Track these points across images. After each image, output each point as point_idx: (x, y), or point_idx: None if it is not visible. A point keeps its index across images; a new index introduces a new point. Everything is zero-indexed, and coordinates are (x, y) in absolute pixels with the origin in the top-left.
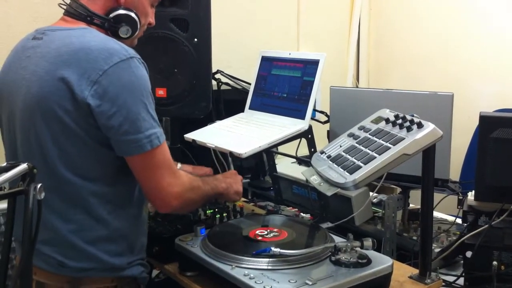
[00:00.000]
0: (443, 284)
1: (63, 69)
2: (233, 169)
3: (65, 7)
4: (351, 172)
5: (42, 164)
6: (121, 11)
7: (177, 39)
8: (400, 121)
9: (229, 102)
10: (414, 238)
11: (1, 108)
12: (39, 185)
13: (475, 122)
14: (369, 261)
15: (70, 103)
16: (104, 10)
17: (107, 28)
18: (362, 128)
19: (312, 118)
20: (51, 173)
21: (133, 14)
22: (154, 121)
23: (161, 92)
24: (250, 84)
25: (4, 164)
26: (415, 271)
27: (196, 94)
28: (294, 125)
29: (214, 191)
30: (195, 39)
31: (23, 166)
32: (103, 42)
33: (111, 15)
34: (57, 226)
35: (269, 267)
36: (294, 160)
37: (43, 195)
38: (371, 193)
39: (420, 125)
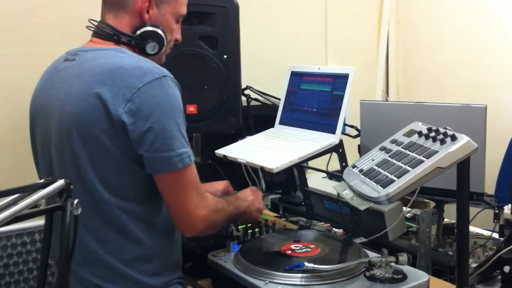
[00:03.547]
0: None
1: (97, 88)
2: (264, 184)
3: (92, 28)
4: (384, 186)
5: (78, 183)
6: (148, 28)
7: (206, 56)
8: (433, 134)
9: (259, 118)
10: (450, 253)
11: (34, 129)
12: (75, 201)
13: (509, 134)
14: (404, 277)
15: (106, 122)
16: (130, 28)
17: (134, 45)
18: (394, 141)
19: (342, 132)
20: (87, 192)
21: (159, 31)
22: (185, 141)
23: (191, 108)
24: (279, 99)
25: (42, 180)
26: (452, 287)
27: (226, 110)
28: (325, 140)
29: (237, 211)
30: (224, 56)
31: (60, 182)
32: (136, 61)
33: (137, 32)
34: (93, 246)
35: (303, 283)
36: (325, 174)
37: (79, 210)
38: (404, 208)
39: (454, 138)
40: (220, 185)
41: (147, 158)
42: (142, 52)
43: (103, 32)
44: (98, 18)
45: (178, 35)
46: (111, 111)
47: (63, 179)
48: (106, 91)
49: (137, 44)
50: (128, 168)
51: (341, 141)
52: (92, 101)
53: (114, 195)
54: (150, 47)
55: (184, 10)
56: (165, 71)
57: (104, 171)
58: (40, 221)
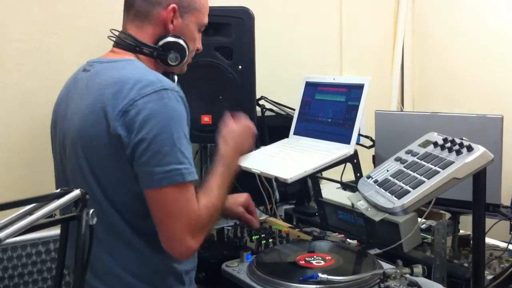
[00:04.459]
0: None
1: (101, 103)
2: (278, 194)
3: (114, 39)
4: (399, 197)
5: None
6: (170, 39)
7: (222, 67)
8: (449, 144)
9: (273, 128)
10: (465, 265)
11: (54, 137)
12: (91, 211)
13: None
14: None
15: (106, 136)
16: (153, 38)
17: (156, 56)
18: (409, 152)
19: (357, 143)
20: (93, 203)
21: (181, 41)
22: (183, 157)
23: (206, 119)
24: (294, 109)
25: (58, 190)
26: None
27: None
28: (339, 150)
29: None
30: (239, 66)
31: (76, 192)
32: (140, 74)
33: (160, 43)
34: (103, 258)
35: None
36: (339, 185)
37: (95, 220)
38: (419, 219)
39: (470, 148)
40: (242, 197)
41: (137, 172)
42: (164, 63)
43: (124, 42)
44: (119, 29)
45: (199, 44)
46: (110, 125)
47: (79, 189)
48: (108, 105)
49: (159, 55)
50: (130, 183)
51: (355, 152)
52: (95, 115)
53: (117, 209)
54: (172, 58)
55: (206, 19)
56: (167, 84)
57: (107, 186)
58: (54, 231)
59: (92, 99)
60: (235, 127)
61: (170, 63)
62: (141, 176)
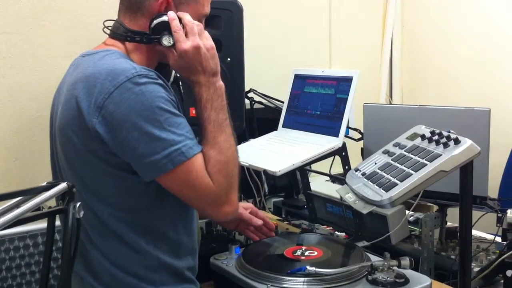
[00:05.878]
0: None
1: (75, 97)
2: (267, 187)
3: (107, 31)
4: (387, 189)
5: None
6: (157, 20)
7: None
8: (436, 137)
9: (262, 121)
10: (453, 257)
11: (50, 133)
12: (78, 204)
13: None
14: (406, 281)
15: (83, 132)
16: (145, 30)
17: (147, 42)
18: (397, 144)
19: (346, 135)
20: (82, 200)
21: (166, 18)
22: (177, 136)
23: (195, 111)
24: (283, 102)
25: (45, 183)
26: None
27: (230, 113)
28: (328, 143)
29: (222, 108)
30: (228, 59)
31: (63, 185)
32: (114, 63)
33: (152, 25)
34: (97, 257)
35: (305, 286)
36: (328, 178)
37: (82, 213)
38: (407, 211)
39: (457, 141)
40: (247, 209)
41: (136, 166)
42: (159, 45)
43: (115, 33)
44: (107, 23)
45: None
46: (86, 120)
47: (65, 182)
48: (82, 99)
49: (150, 40)
50: (113, 178)
51: (344, 144)
52: (71, 111)
53: (105, 205)
54: (166, 40)
55: (206, 9)
56: (140, 69)
57: (89, 182)
58: (43, 224)
59: (68, 95)
60: (183, 50)
61: (165, 43)
62: (142, 169)
